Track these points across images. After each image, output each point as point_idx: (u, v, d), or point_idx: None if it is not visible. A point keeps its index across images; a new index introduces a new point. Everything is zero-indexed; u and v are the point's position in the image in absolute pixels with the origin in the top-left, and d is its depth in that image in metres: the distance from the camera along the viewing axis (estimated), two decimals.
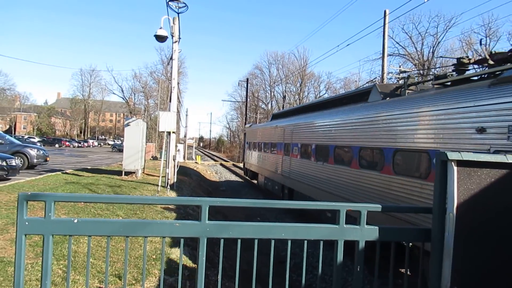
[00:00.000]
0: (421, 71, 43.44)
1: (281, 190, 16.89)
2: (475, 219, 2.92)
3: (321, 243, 3.04)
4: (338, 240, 3.05)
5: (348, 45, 60.04)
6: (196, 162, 43.79)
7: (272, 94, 76.05)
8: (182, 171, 24.79)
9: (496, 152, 5.17)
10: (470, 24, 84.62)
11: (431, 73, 44.73)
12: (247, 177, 26.75)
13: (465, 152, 2.91)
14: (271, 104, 76.16)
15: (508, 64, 6.41)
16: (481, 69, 8.86)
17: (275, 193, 18.25)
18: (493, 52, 7.13)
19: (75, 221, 2.84)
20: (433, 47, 47.43)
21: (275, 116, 21.51)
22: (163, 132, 14.68)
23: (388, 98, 9.25)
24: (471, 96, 6.13)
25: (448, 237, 2.89)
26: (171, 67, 15.51)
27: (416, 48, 47.74)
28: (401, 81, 10.69)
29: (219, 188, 24.75)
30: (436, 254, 2.94)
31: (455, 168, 2.89)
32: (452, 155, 2.87)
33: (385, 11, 18.64)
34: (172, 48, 14.88)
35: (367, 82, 17.32)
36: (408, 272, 3.27)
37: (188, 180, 19.68)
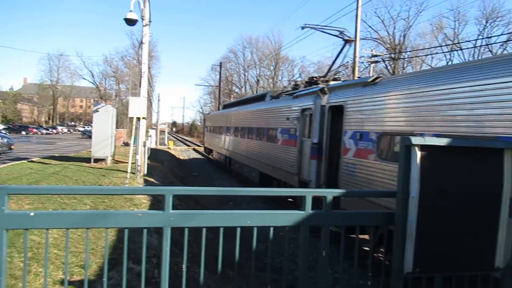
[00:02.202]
0: (393, 55, 44.10)
1: (225, 160, 24.39)
2: (437, 202, 2.97)
3: (271, 229, 3.04)
4: (303, 226, 3.04)
5: (309, 35, 59.88)
6: (168, 148, 43.33)
7: (246, 78, 75.71)
8: (154, 157, 24.45)
9: None
10: (440, 8, 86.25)
11: (401, 57, 45.56)
12: (206, 154, 33.79)
13: (429, 137, 2.93)
14: (245, 88, 75.86)
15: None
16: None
17: (222, 163, 25.83)
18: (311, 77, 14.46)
19: (32, 214, 2.71)
20: (405, 31, 48.12)
21: (225, 106, 29.18)
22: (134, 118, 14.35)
23: (272, 100, 16.14)
24: (287, 101, 13.31)
25: (411, 221, 2.93)
26: (142, 52, 15.10)
27: (388, 32, 48.30)
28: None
29: (191, 173, 24.60)
30: (399, 237, 2.98)
31: (419, 152, 2.91)
32: (416, 140, 2.89)
33: None
34: (143, 31, 14.44)
35: (339, 66, 17.32)
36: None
37: (160, 167, 19.45)
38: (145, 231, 2.90)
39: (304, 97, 11.82)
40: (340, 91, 9.94)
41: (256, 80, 72.17)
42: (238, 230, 2.99)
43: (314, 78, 13.84)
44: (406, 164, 2.94)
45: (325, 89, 10.69)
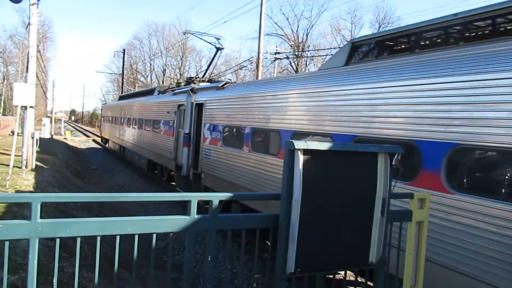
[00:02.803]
0: (296, 53, 45.95)
1: (119, 149, 25.71)
2: (318, 204, 3.09)
3: (154, 236, 2.92)
4: (188, 231, 2.96)
5: (225, 22, 60.11)
6: (65, 138, 40.20)
7: (152, 67, 73.08)
8: (47, 149, 22.44)
9: None
10: (339, 10, 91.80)
11: (305, 55, 47.71)
12: (103, 144, 34.64)
13: (311, 141, 3.03)
14: (151, 77, 73.26)
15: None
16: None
17: (117, 152, 26.97)
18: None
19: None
20: (308, 29, 50.39)
21: (120, 98, 31.18)
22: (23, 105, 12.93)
23: (160, 94, 18.20)
24: (169, 97, 15.50)
25: (294, 222, 3.01)
26: (29, 34, 13.62)
27: (292, 30, 50.14)
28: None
29: (90, 167, 23.09)
30: (282, 238, 3.05)
31: (301, 156, 3.00)
32: (299, 144, 2.97)
33: None
34: (30, 10, 13.01)
35: (244, 61, 17.66)
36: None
37: (53, 159, 17.90)
38: (6, 244, 2.58)
39: (180, 94, 14.21)
40: (203, 92, 12.43)
41: (162, 69, 70.06)
42: (118, 238, 2.80)
43: (192, 78, 16.32)
44: (290, 168, 3.02)
45: (194, 89, 13.19)
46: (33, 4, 12.75)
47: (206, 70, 17.97)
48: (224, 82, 11.69)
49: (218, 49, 16.40)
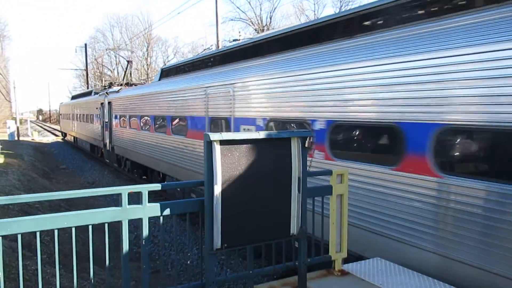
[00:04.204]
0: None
1: (74, 140, 33.24)
2: (238, 187, 3.50)
3: (106, 225, 3.29)
4: (122, 220, 3.33)
5: (178, 13, 59.03)
6: (33, 139, 39.43)
7: (118, 59, 71.59)
8: (12, 152, 22.17)
9: None
10: None
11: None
12: (63, 137, 42.32)
13: (225, 133, 3.43)
14: (117, 70, 71.79)
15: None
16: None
17: (72, 142, 35.00)
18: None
19: None
20: (271, 12, 50.38)
21: (72, 97, 37.83)
22: None
23: (94, 95, 23.91)
24: (98, 97, 22.31)
25: (216, 205, 3.41)
26: None
27: (255, 13, 50.05)
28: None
29: (59, 166, 22.96)
30: (208, 220, 3.45)
31: (218, 146, 3.39)
32: (214, 136, 3.35)
33: None
34: None
35: (204, 49, 17.81)
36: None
37: (18, 163, 17.77)
38: None
39: (103, 95, 20.41)
40: (112, 94, 19.19)
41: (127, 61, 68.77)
42: (56, 232, 3.14)
43: (111, 83, 23.10)
44: (209, 157, 3.40)
45: (108, 92, 19.82)
46: None
47: (124, 77, 24.43)
48: (119, 88, 19.26)
49: (128, 62, 25.24)
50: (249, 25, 48.46)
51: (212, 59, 10.69)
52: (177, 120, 11.29)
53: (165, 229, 9.84)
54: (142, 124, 14.30)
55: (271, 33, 8.91)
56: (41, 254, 3.21)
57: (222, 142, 3.41)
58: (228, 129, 8.38)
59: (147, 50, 68.14)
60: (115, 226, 3.39)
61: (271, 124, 7.15)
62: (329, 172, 4.34)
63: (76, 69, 69.42)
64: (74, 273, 3.27)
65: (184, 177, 10.55)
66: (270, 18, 50.19)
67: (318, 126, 6.10)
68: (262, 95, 7.45)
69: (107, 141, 19.38)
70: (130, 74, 27.62)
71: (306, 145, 3.81)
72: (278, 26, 49.48)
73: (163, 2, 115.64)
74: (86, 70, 46.29)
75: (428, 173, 4.51)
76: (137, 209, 3.37)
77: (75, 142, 32.55)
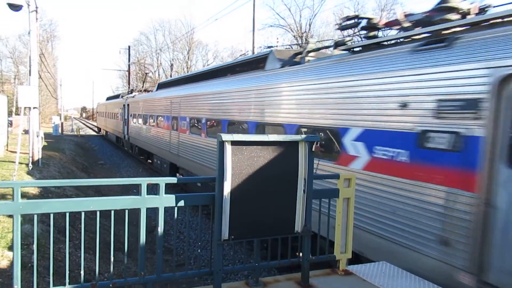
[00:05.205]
0: (300, 44, 46.21)
1: (105, 133, 41.07)
2: (246, 184, 3.81)
3: (126, 212, 3.68)
4: (141, 208, 3.71)
5: (216, 20, 60.36)
6: (75, 135, 41.39)
7: (159, 62, 73.83)
8: (56, 146, 23.49)
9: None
10: None
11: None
12: (97, 131, 50.13)
13: (237, 134, 3.75)
14: (158, 72, 74.03)
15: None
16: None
17: (103, 135, 43.32)
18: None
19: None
20: (310, 19, 50.48)
21: (107, 99, 43.13)
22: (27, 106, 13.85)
23: (121, 98, 31.58)
24: (122, 100, 29.88)
25: (226, 199, 3.74)
26: (30, 40, 14.45)
27: (294, 20, 50.30)
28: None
29: (97, 162, 24.10)
30: (218, 213, 3.78)
31: (229, 147, 3.72)
32: (226, 137, 3.68)
33: None
34: (29, 18, 13.83)
35: (240, 55, 18.27)
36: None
37: (60, 156, 18.88)
38: None
39: (125, 98, 27.05)
40: (129, 98, 25.73)
41: (170, 64, 70.80)
42: (83, 214, 3.57)
43: (132, 90, 30.37)
44: (221, 156, 3.74)
45: (127, 96, 26.72)
46: (32, 12, 13.56)
47: (142, 86, 32.22)
48: (135, 94, 26.29)
49: (146, 74, 37.55)
50: (288, 31, 48.79)
51: (184, 79, 16.15)
52: (160, 118, 17.24)
53: (191, 226, 10.31)
54: (144, 120, 20.70)
55: (205, 69, 15.58)
56: (72, 240, 3.67)
57: (234, 143, 3.73)
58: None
59: (188, 53, 69.93)
60: (134, 220, 3.79)
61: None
62: (336, 176, 4.57)
63: (119, 70, 72.23)
64: (97, 252, 3.68)
65: (162, 155, 17.09)
66: (310, 25, 50.32)
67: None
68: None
69: (125, 133, 26.14)
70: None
71: (313, 149, 4.08)
72: (317, 33, 49.60)
73: (206, 5, 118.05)
74: (129, 71, 48.15)
75: None
76: (155, 199, 3.75)
77: (106, 134, 40.45)
